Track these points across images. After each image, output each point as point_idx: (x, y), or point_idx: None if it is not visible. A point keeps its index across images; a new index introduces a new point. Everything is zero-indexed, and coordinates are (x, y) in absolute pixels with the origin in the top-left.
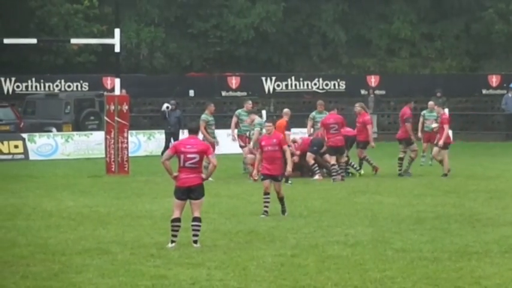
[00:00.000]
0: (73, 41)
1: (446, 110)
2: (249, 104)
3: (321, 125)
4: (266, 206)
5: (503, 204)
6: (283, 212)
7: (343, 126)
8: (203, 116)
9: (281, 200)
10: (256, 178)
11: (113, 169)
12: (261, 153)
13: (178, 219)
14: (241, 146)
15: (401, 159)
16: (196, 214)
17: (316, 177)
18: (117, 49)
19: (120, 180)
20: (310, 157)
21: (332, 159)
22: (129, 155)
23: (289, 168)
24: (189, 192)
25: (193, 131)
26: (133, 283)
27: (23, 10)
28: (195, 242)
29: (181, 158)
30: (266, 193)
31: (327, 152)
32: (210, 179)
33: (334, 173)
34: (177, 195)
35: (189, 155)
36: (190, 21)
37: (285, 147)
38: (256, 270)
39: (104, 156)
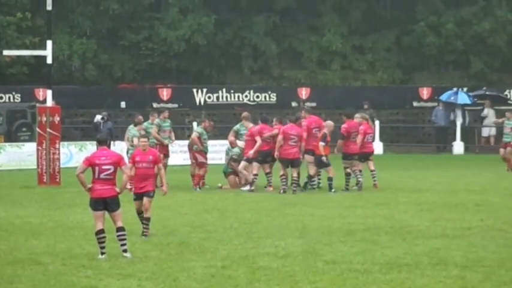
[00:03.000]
0: (5, 52)
1: (377, 122)
2: (166, 113)
3: (281, 133)
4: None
5: (434, 217)
6: (145, 234)
7: (303, 139)
8: (130, 127)
9: (146, 220)
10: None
11: (44, 180)
12: (133, 169)
13: (102, 231)
14: None
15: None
16: (119, 224)
17: (247, 188)
18: (49, 61)
19: (52, 191)
20: (255, 167)
21: (282, 170)
22: (61, 166)
23: (164, 189)
24: (105, 204)
25: (103, 142)
26: None
27: None
28: (125, 251)
29: (96, 170)
30: (140, 212)
31: (280, 163)
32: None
33: (283, 184)
34: (93, 206)
35: (103, 167)
36: (122, 33)
37: (160, 165)
38: (186, 281)
39: (35, 167)
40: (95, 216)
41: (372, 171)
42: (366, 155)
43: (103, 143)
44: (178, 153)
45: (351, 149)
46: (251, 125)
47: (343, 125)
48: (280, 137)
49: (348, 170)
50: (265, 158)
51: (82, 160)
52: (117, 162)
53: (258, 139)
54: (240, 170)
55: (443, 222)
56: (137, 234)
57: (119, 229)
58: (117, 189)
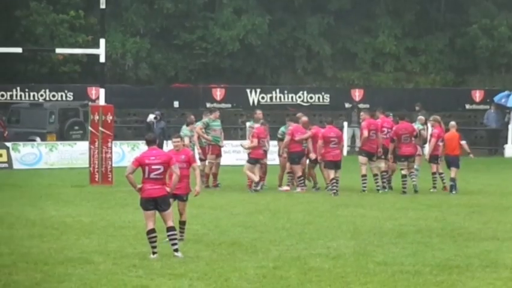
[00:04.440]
0: (58, 50)
1: (430, 124)
2: (217, 113)
3: (321, 138)
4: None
5: (485, 219)
6: (181, 239)
7: (342, 140)
8: (183, 127)
9: (182, 224)
10: None
11: (96, 179)
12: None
13: (153, 230)
14: (201, 159)
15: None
16: (170, 224)
17: (299, 189)
18: (102, 59)
19: (104, 190)
20: (298, 168)
21: (331, 174)
22: (113, 165)
23: (197, 188)
24: (155, 204)
25: (152, 142)
26: None
27: (8, 19)
28: (176, 250)
29: (145, 169)
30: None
31: (325, 166)
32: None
33: (335, 187)
34: (143, 206)
35: (153, 166)
36: (175, 33)
37: (194, 164)
38: (238, 281)
39: (87, 166)
40: (146, 215)
41: (440, 173)
42: (436, 157)
43: (152, 143)
44: (231, 153)
45: (403, 150)
46: (257, 125)
47: (393, 127)
48: (320, 142)
49: (404, 172)
50: (297, 159)
51: (131, 161)
52: (167, 162)
53: (255, 140)
54: (244, 171)
55: (495, 224)
56: (189, 234)
57: (169, 229)
58: (167, 189)
